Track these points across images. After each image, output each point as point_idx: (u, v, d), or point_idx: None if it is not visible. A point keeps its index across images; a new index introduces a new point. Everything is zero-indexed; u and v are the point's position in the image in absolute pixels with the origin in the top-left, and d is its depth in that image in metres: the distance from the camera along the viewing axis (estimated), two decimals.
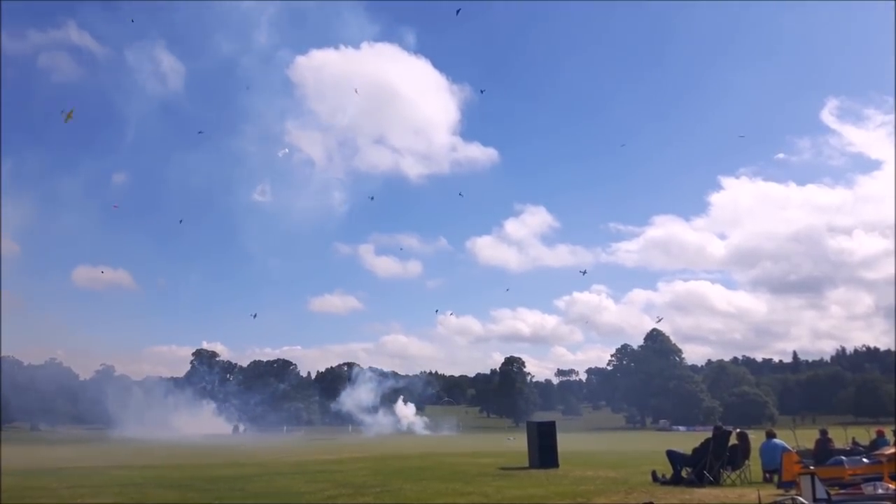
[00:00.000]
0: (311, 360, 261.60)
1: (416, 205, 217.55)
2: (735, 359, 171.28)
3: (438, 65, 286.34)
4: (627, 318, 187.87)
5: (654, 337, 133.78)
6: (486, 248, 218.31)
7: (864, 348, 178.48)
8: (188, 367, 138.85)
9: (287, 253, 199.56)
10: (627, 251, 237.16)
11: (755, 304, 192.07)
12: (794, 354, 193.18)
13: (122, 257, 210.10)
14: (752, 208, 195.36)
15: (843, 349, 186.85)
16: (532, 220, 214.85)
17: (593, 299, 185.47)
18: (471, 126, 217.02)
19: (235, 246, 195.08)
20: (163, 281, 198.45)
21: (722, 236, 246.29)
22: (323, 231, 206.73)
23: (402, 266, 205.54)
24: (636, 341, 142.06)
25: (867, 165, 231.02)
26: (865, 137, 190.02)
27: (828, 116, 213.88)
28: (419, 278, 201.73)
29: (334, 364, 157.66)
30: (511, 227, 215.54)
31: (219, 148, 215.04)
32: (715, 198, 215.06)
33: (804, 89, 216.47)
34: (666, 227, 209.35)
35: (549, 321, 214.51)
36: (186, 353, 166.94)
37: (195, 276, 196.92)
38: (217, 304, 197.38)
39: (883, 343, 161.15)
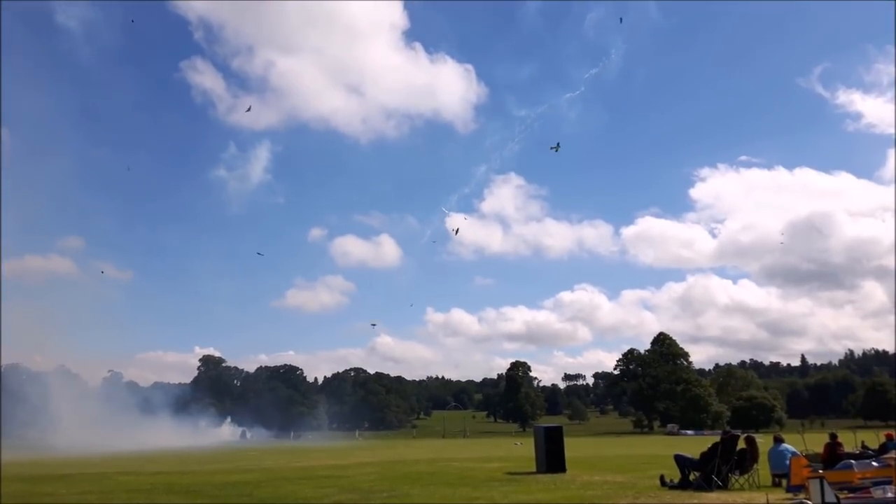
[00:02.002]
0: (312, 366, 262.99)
1: None
2: (743, 362, 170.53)
3: None
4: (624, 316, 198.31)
5: (661, 341, 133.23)
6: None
7: (872, 351, 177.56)
8: (174, 372, 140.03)
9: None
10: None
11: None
12: (803, 358, 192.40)
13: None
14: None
15: (852, 352, 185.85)
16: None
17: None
18: None
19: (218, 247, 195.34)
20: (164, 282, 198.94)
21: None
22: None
23: None
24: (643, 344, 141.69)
25: None
26: None
27: None
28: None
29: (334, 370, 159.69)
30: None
31: None
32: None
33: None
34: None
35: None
36: (173, 358, 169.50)
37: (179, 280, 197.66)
38: (202, 310, 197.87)
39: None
